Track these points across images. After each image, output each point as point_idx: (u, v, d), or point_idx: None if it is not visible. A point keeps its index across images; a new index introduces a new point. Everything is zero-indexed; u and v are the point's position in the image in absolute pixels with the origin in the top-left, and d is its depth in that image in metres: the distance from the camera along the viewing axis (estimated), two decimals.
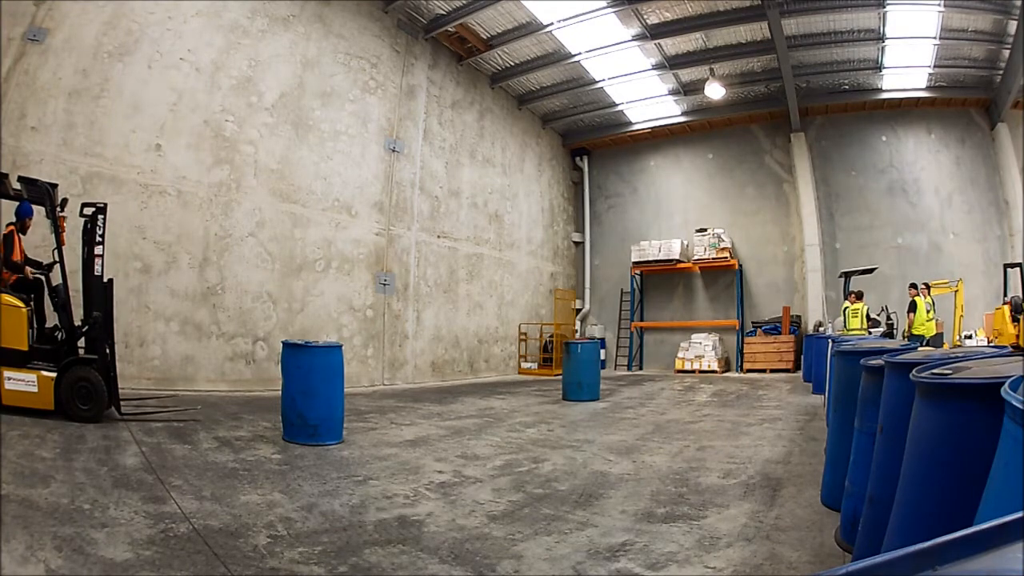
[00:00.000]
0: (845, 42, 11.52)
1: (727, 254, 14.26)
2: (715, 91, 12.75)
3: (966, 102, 13.08)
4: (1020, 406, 0.99)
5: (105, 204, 5.58)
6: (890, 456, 1.98)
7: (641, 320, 15.56)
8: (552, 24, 11.15)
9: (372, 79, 10.59)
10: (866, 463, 2.47)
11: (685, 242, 14.75)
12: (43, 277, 5.61)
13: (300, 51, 9.39)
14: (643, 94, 14.08)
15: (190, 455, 4.40)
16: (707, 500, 3.69)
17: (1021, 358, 1.89)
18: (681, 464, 4.69)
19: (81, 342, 5.45)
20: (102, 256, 5.46)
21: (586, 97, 14.53)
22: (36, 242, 5.77)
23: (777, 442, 5.54)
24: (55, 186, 5.56)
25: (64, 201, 5.57)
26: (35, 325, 5.40)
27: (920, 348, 4.51)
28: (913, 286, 10.19)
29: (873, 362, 2.68)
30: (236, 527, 3.01)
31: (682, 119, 15.01)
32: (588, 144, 16.70)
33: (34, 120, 6.62)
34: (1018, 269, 10.31)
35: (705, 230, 14.53)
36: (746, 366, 13.62)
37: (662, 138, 15.89)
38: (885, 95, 13.28)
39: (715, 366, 13.66)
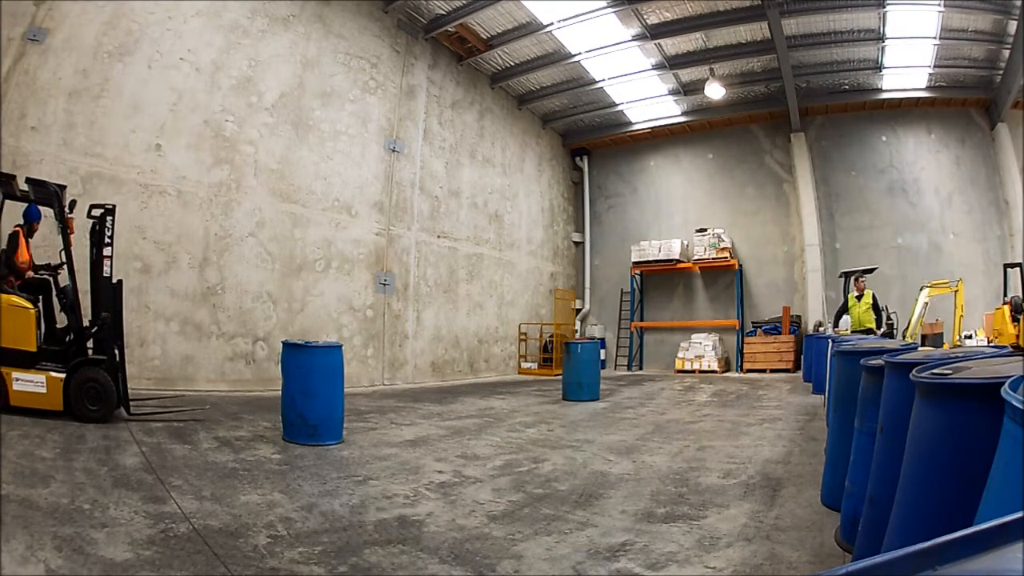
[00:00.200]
0: (845, 42, 11.52)
1: (727, 254, 14.26)
2: (715, 91, 12.75)
3: (966, 102, 13.08)
4: (1020, 406, 0.99)
5: (114, 206, 5.64)
6: (890, 456, 1.98)
7: (641, 320, 15.55)
8: (552, 24, 11.14)
9: (372, 79, 10.59)
10: (866, 463, 2.47)
11: (685, 242, 14.75)
12: (51, 278, 5.63)
13: (300, 51, 9.39)
14: (643, 94, 14.08)
15: (190, 455, 4.40)
16: (707, 500, 3.69)
17: (1021, 358, 1.89)
18: (681, 464, 4.69)
19: (88, 343, 5.44)
20: (111, 257, 5.50)
21: (586, 97, 14.53)
22: (37, 242, 5.77)
23: (777, 442, 5.54)
24: (63, 188, 5.59)
25: (72, 203, 5.59)
26: (43, 326, 5.41)
27: (920, 348, 4.51)
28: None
29: (873, 362, 2.68)
30: (236, 527, 3.01)
31: (682, 119, 15.01)
32: (588, 144, 16.70)
33: (34, 120, 6.62)
34: (1018, 269, 10.30)
35: (705, 230, 14.53)
36: (746, 366, 13.62)
37: (662, 138, 15.89)
38: (885, 95, 13.28)
39: (715, 366, 13.66)
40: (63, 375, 5.11)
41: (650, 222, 16.04)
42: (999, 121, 12.65)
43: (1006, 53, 11.13)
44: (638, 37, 11.52)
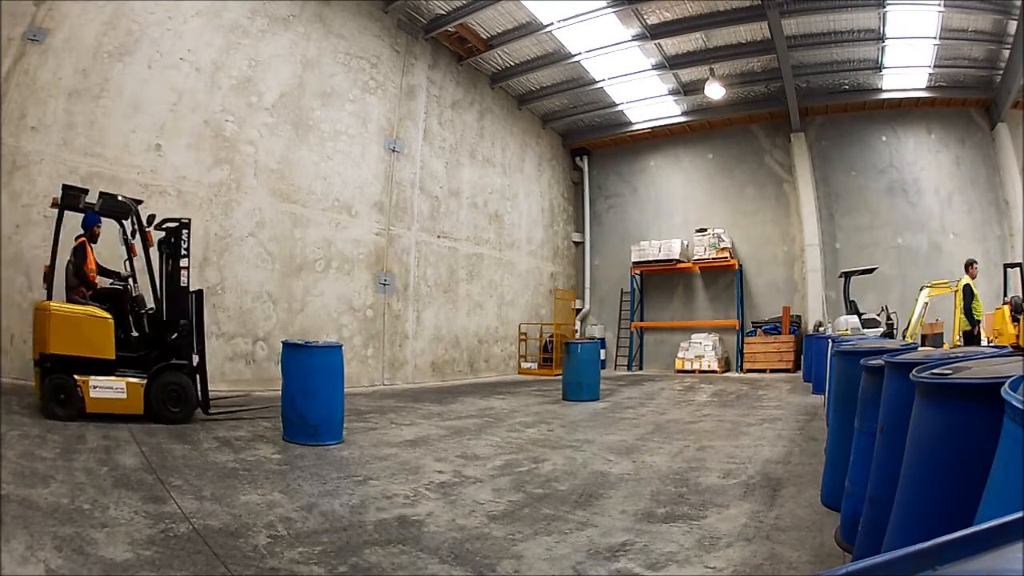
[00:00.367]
0: (845, 42, 11.52)
1: (727, 254, 14.26)
2: (715, 91, 12.75)
3: (966, 102, 13.08)
4: (1020, 406, 0.99)
5: (189, 220, 6.02)
6: (890, 456, 1.98)
7: (641, 320, 15.55)
8: (552, 24, 11.14)
9: (372, 79, 10.59)
10: (866, 463, 2.47)
11: (685, 242, 14.75)
12: (122, 288, 5.85)
13: (300, 51, 9.39)
14: (643, 94, 14.08)
15: (190, 455, 4.40)
16: (707, 500, 3.69)
17: (1021, 358, 1.89)
18: (681, 464, 4.69)
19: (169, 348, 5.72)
20: (187, 268, 5.81)
21: (586, 97, 14.52)
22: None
23: (777, 442, 5.54)
24: (139, 202, 5.95)
25: (151, 217, 5.90)
26: (121, 334, 5.60)
27: (920, 348, 4.51)
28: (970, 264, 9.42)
29: (873, 362, 2.68)
30: (236, 527, 3.01)
31: (682, 119, 15.01)
32: (588, 144, 16.70)
33: (34, 120, 6.62)
34: (1018, 269, 10.30)
35: (705, 230, 14.52)
36: (746, 366, 13.62)
37: (662, 138, 15.89)
38: (885, 95, 13.27)
39: (715, 366, 13.66)
40: (144, 380, 5.39)
41: (650, 222, 16.04)
42: (999, 121, 12.65)
43: (1006, 53, 11.13)
44: (638, 37, 11.52)
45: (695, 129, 15.35)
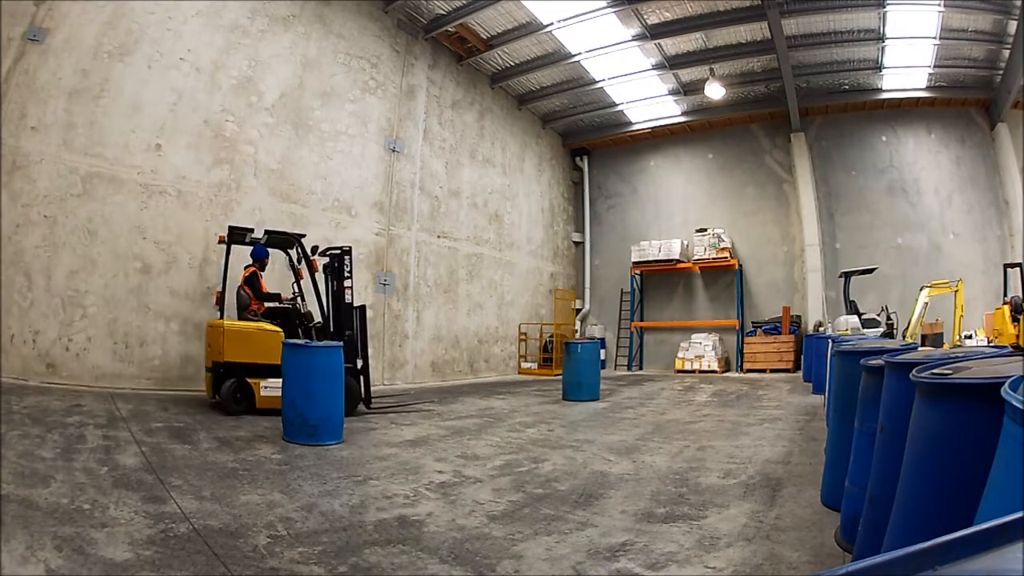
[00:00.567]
0: (845, 42, 11.52)
1: (727, 254, 14.26)
2: (715, 91, 12.75)
3: (966, 102, 13.08)
4: (1020, 406, 0.99)
5: (350, 248, 7.19)
6: (890, 456, 1.98)
7: (641, 320, 15.55)
8: (552, 24, 11.14)
9: (372, 79, 10.59)
10: (866, 463, 2.47)
11: (685, 242, 14.75)
12: (291, 305, 6.99)
13: (300, 51, 9.39)
14: (643, 94, 14.07)
15: (190, 455, 4.40)
16: (707, 500, 3.69)
17: (1021, 358, 1.89)
18: (681, 464, 4.69)
19: None
20: (351, 288, 6.94)
21: (586, 97, 14.52)
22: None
23: (777, 442, 5.54)
24: (302, 236, 7.11)
25: (315, 247, 7.12)
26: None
27: (920, 348, 4.51)
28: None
29: (873, 362, 2.68)
30: (236, 527, 3.01)
31: (682, 119, 15.00)
32: (588, 144, 16.70)
33: (34, 120, 6.62)
34: (1018, 269, 10.31)
35: (705, 230, 14.52)
36: (746, 366, 13.62)
37: (662, 138, 15.89)
38: (885, 95, 13.27)
39: (715, 366, 13.66)
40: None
41: (650, 222, 16.03)
42: (999, 121, 12.65)
43: (1006, 53, 11.13)
44: (638, 37, 11.52)
45: (695, 129, 15.35)
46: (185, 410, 6.15)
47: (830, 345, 7.24)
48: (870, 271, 11.82)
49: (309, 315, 6.96)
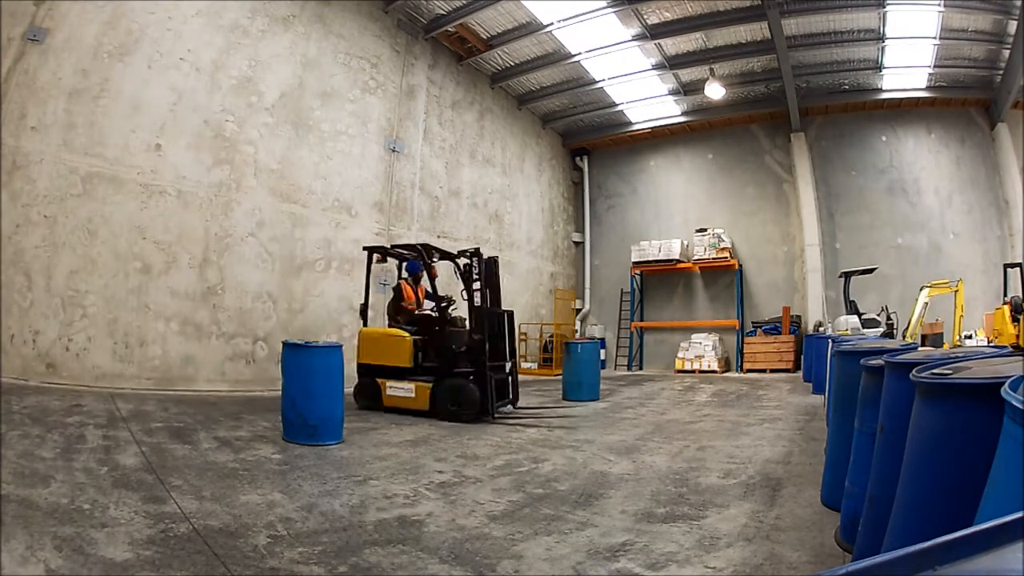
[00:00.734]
0: (845, 42, 11.53)
1: (727, 254, 14.26)
2: (715, 91, 12.75)
3: (966, 102, 13.08)
4: (1020, 406, 0.99)
5: (477, 249, 7.30)
6: (890, 456, 1.98)
7: (641, 320, 15.55)
8: (552, 24, 11.14)
9: (372, 79, 10.59)
10: (866, 463, 2.47)
11: (685, 242, 14.75)
12: (435, 313, 7.29)
13: (300, 51, 9.39)
14: (643, 94, 14.08)
15: (190, 455, 4.40)
16: (707, 500, 3.69)
17: (1021, 358, 1.89)
18: (681, 464, 4.69)
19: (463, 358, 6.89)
20: (481, 291, 7.09)
21: (586, 97, 14.52)
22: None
23: (777, 442, 5.54)
24: (431, 247, 7.60)
25: (460, 252, 7.49)
26: (424, 349, 7.11)
27: (920, 348, 4.51)
28: None
29: (873, 362, 2.68)
30: (236, 527, 3.01)
31: (682, 119, 15.01)
32: (588, 144, 16.70)
33: (34, 120, 6.62)
34: (1018, 269, 10.31)
35: (705, 230, 14.52)
36: (746, 366, 13.62)
37: (662, 138, 15.89)
38: (885, 95, 13.28)
39: (715, 366, 13.66)
40: (431, 384, 6.70)
41: (650, 222, 16.03)
42: (999, 121, 12.65)
43: (1006, 53, 11.13)
44: (638, 37, 11.52)
45: (695, 129, 15.35)
46: (185, 410, 6.15)
47: (830, 345, 7.24)
48: (870, 271, 11.82)
49: (456, 320, 7.36)
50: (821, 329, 12.45)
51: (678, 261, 14.51)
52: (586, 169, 16.90)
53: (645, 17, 11.06)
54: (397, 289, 7.55)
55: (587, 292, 16.67)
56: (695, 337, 14.23)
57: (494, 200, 13.73)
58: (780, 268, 14.43)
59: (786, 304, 14.03)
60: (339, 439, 5.24)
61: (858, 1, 10.33)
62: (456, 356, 6.80)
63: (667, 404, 8.57)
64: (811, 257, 13.75)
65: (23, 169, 6.54)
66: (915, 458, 1.68)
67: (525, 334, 14.32)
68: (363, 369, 7.11)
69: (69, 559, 2.45)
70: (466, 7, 10.89)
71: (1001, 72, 11.81)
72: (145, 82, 7.47)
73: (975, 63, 12.02)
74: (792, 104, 13.27)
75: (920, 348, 4.53)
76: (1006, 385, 1.13)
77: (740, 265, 14.54)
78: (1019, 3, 9.62)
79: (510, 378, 7.31)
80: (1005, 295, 10.44)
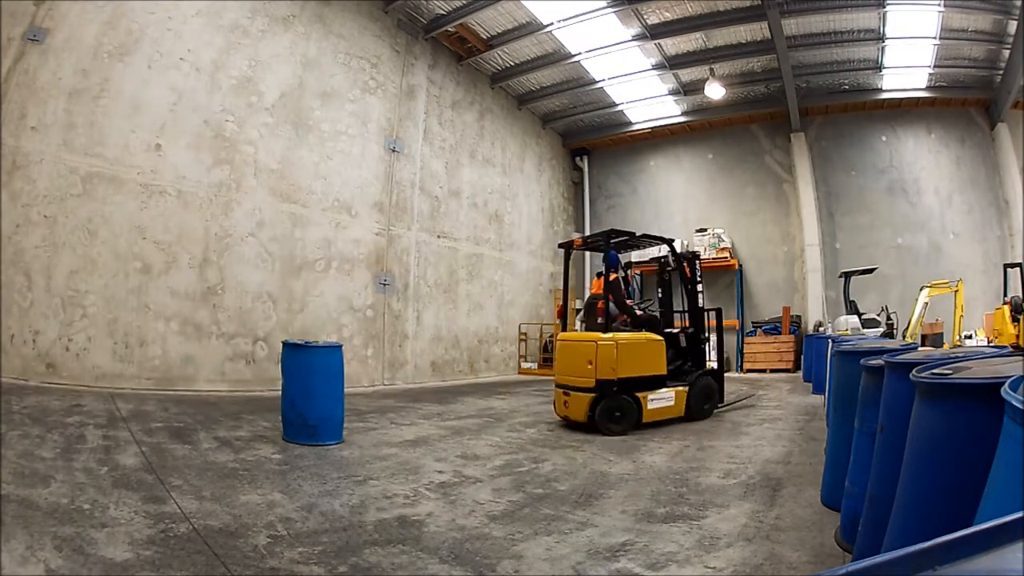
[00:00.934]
0: (845, 42, 11.52)
1: (727, 254, 14.26)
2: (715, 91, 12.75)
3: (966, 102, 13.08)
4: (1020, 406, 0.99)
5: (697, 252, 7.74)
6: (890, 456, 1.98)
7: None
8: (552, 24, 11.14)
9: (372, 79, 10.59)
10: (866, 463, 2.47)
11: (685, 242, 14.73)
12: (656, 314, 7.17)
13: (300, 51, 9.39)
14: (643, 94, 14.07)
15: (190, 455, 4.40)
16: (707, 500, 3.69)
17: (1021, 358, 1.89)
18: (681, 464, 4.69)
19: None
20: (702, 292, 7.21)
21: (586, 97, 14.52)
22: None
23: (777, 442, 5.53)
24: (671, 240, 7.58)
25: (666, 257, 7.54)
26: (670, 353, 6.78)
27: (920, 348, 4.51)
28: None
29: (873, 362, 2.68)
30: (236, 527, 3.01)
31: (682, 119, 15.00)
32: (588, 144, 16.69)
33: (34, 120, 6.62)
34: (1018, 269, 10.31)
35: (705, 230, 14.52)
36: (746, 366, 13.61)
37: (662, 138, 15.88)
38: (885, 95, 13.27)
39: (715, 366, 13.61)
40: (686, 387, 6.55)
41: (650, 222, 15.98)
42: (999, 121, 12.65)
43: (1006, 53, 11.13)
44: (638, 37, 11.52)
45: (695, 129, 15.34)
46: (185, 410, 6.15)
47: (830, 345, 7.24)
48: (870, 271, 11.82)
49: (654, 319, 7.02)
50: (821, 329, 12.45)
51: None
52: (586, 169, 16.90)
53: (645, 17, 11.06)
54: (615, 286, 6.69)
55: (587, 292, 16.65)
56: None
57: (494, 200, 13.73)
58: (780, 268, 14.42)
59: (786, 304, 14.03)
60: (339, 439, 5.25)
61: (858, 1, 10.33)
62: (695, 356, 6.98)
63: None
64: (811, 257, 13.74)
65: (23, 169, 6.54)
66: (915, 458, 1.68)
67: (525, 334, 14.32)
68: (608, 386, 5.99)
69: (69, 559, 2.45)
70: (466, 7, 10.89)
71: (1001, 72, 11.81)
72: (145, 82, 7.48)
73: (975, 63, 12.01)
74: (792, 104, 13.27)
75: (920, 348, 4.53)
76: (1006, 385, 1.13)
77: (740, 265, 14.53)
78: (1019, 3, 9.62)
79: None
80: (1005, 295, 10.45)
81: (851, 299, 11.50)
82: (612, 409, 5.96)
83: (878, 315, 11.32)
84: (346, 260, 9.89)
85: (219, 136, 8.25)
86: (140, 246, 7.40)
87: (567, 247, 7.61)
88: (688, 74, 13.10)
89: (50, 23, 6.72)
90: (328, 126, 9.78)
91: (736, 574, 2.59)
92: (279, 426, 5.33)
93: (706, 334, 7.32)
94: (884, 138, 13.71)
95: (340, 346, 5.56)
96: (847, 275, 11.70)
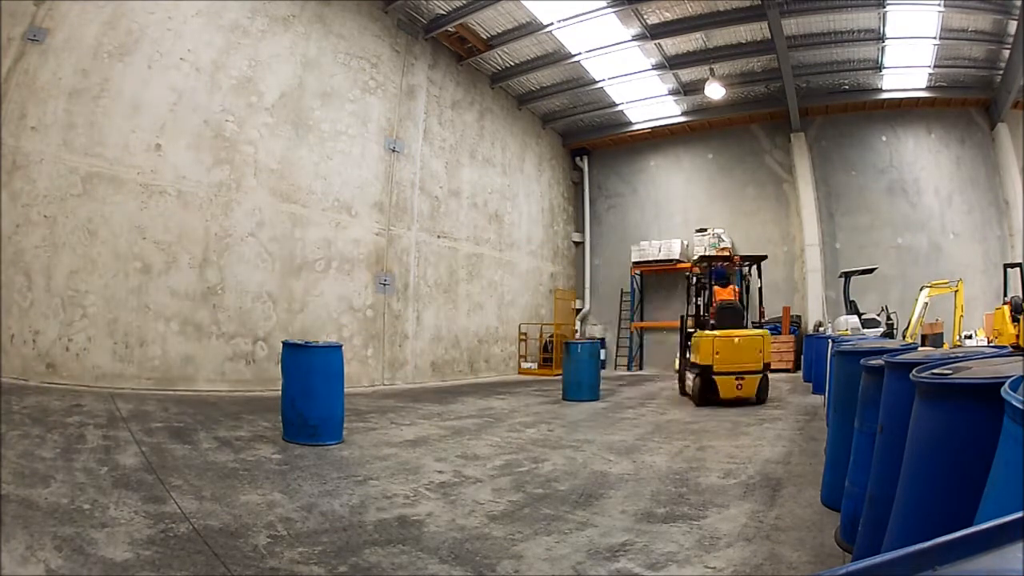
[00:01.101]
0: (845, 42, 11.52)
1: (727, 254, 14.24)
2: (715, 91, 12.75)
3: (966, 102, 13.08)
4: (1020, 406, 0.99)
5: (764, 256, 9.73)
6: (890, 456, 1.98)
7: (641, 320, 15.55)
8: (552, 24, 11.14)
9: (372, 79, 10.59)
10: (866, 463, 2.47)
11: (685, 242, 14.74)
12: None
13: (300, 51, 9.39)
14: (643, 94, 14.08)
15: (190, 455, 4.40)
16: (707, 500, 3.69)
17: (1021, 358, 1.89)
18: (681, 464, 4.69)
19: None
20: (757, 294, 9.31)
21: (586, 97, 14.52)
22: None
23: (777, 442, 5.54)
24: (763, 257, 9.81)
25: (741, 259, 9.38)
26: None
27: (920, 348, 4.51)
28: None
29: (873, 362, 2.68)
30: (236, 527, 3.01)
31: (682, 119, 15.01)
32: (588, 144, 16.70)
33: (34, 120, 6.62)
34: (1018, 269, 10.30)
35: (705, 230, 14.52)
36: None
37: (662, 138, 15.89)
38: (885, 95, 13.27)
39: None
40: (758, 376, 8.00)
41: (650, 222, 16.03)
42: (999, 121, 12.65)
43: (1006, 53, 11.13)
44: (638, 37, 11.52)
45: (695, 129, 15.34)
46: (185, 410, 6.15)
47: (830, 345, 7.24)
48: (870, 271, 11.82)
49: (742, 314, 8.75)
50: (821, 329, 12.45)
51: (678, 261, 14.50)
52: (586, 169, 16.90)
53: (645, 17, 11.06)
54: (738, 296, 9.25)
55: (587, 292, 16.67)
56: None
57: (494, 200, 13.73)
58: (780, 268, 14.40)
59: (786, 304, 14.02)
60: (339, 439, 5.24)
61: (858, 1, 10.33)
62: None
63: (667, 404, 8.57)
64: (811, 257, 13.74)
65: (23, 169, 6.54)
66: (915, 458, 1.68)
67: (525, 334, 14.32)
68: (767, 368, 8.14)
69: (69, 559, 2.45)
70: (466, 7, 10.89)
71: (1001, 72, 11.80)
72: (145, 82, 7.48)
73: (975, 63, 12.01)
74: (792, 104, 13.27)
75: (920, 348, 4.53)
76: (1006, 385, 1.13)
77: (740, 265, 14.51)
78: (1019, 3, 9.62)
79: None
80: (1005, 295, 10.44)
81: (851, 299, 11.49)
82: (766, 387, 8.12)
83: (878, 315, 11.32)
84: (346, 260, 9.89)
85: (219, 136, 8.25)
86: (140, 246, 7.39)
87: (690, 269, 9.88)
88: (688, 74, 13.10)
89: (50, 23, 6.72)
90: (328, 126, 9.78)
91: (736, 574, 2.59)
92: (279, 426, 5.33)
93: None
94: (884, 138, 13.71)
95: (340, 346, 5.56)
96: (847, 275, 11.70)
